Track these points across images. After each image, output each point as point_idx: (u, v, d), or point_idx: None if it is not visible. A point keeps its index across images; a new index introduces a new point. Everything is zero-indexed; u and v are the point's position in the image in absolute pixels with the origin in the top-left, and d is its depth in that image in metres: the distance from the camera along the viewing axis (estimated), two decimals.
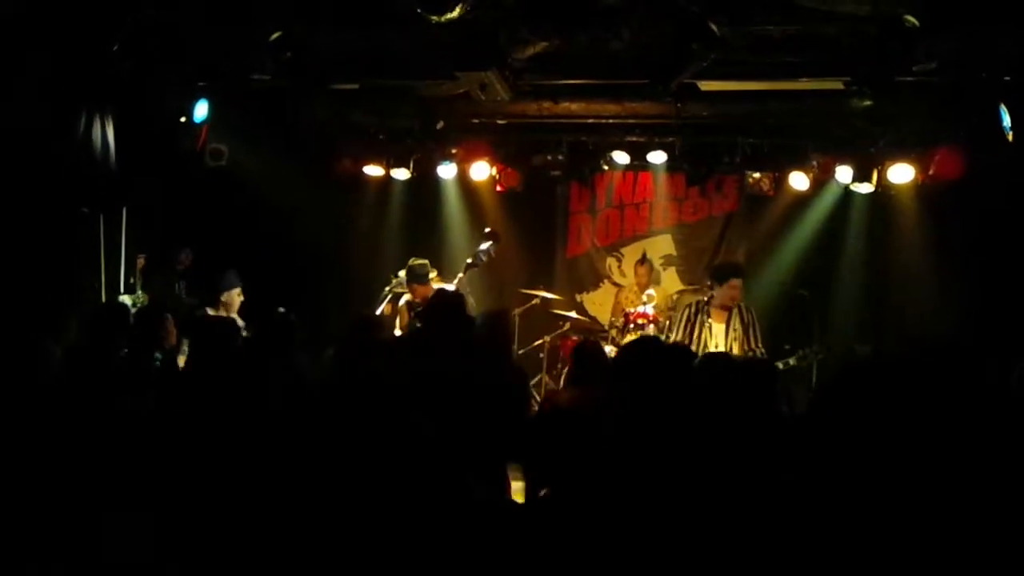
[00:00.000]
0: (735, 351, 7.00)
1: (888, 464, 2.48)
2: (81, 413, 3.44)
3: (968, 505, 2.40)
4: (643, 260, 9.48)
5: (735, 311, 7.15)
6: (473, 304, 7.55)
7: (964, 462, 2.52)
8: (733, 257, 9.37)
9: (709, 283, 7.37)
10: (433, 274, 7.56)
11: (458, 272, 7.43)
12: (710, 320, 7.17)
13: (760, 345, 7.03)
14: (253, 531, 2.73)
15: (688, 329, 7.24)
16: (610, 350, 8.29)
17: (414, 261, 7.49)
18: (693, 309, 7.28)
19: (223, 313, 6.97)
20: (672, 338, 7.37)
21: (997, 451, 2.63)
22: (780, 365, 6.95)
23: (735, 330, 7.12)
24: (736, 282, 7.11)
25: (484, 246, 7.43)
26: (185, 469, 3.02)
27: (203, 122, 7.49)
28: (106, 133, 6.96)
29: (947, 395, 2.80)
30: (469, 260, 7.39)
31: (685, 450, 2.79)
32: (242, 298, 7.13)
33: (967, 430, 2.68)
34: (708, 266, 9.39)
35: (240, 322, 7.17)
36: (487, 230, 7.70)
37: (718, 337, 7.13)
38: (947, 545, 2.33)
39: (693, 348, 7.14)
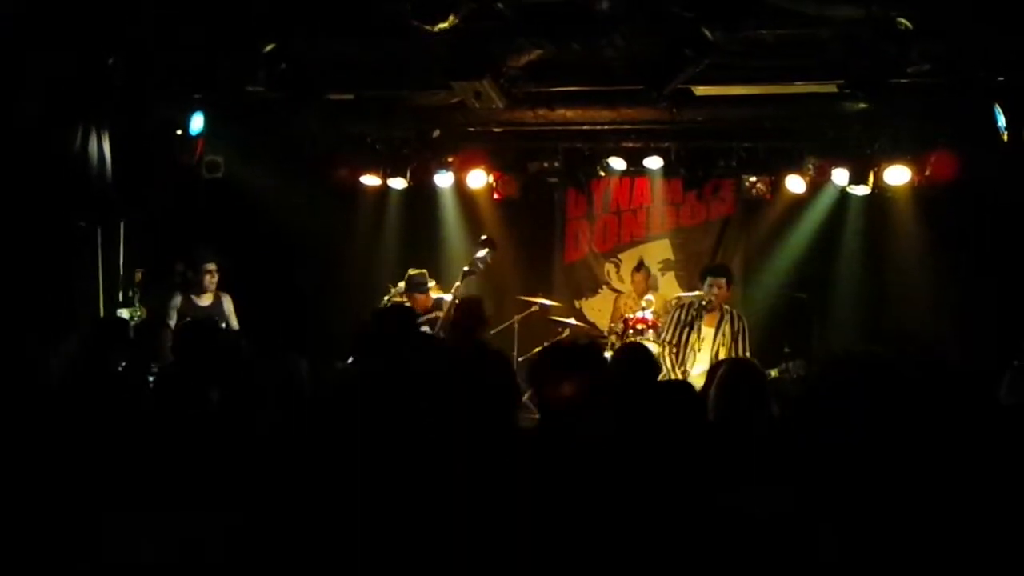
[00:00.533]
0: (721, 355, 7.03)
1: (867, 466, 2.49)
2: (79, 424, 3.45)
3: (948, 508, 2.40)
4: (639, 267, 9.49)
5: (726, 317, 7.20)
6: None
7: (944, 466, 2.53)
8: (730, 261, 9.38)
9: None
10: (432, 283, 7.57)
11: (455, 281, 7.44)
12: (700, 323, 7.22)
13: (748, 353, 7.03)
14: (262, 534, 2.74)
15: (677, 330, 7.31)
16: (610, 356, 8.29)
17: (412, 271, 7.50)
18: (684, 312, 7.34)
19: (196, 292, 7.16)
20: (664, 338, 7.43)
21: (980, 456, 2.63)
22: None
23: (723, 335, 7.16)
24: (713, 280, 7.19)
25: (480, 253, 7.43)
26: (182, 473, 3.03)
27: (199, 134, 7.50)
28: (102, 147, 6.97)
29: (927, 399, 2.81)
30: (466, 268, 7.39)
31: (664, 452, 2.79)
32: (215, 277, 7.41)
33: (951, 434, 2.70)
34: None
35: (224, 301, 7.30)
36: (483, 237, 7.71)
37: (706, 340, 7.19)
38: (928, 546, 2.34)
39: (680, 349, 7.22)
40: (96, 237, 7.19)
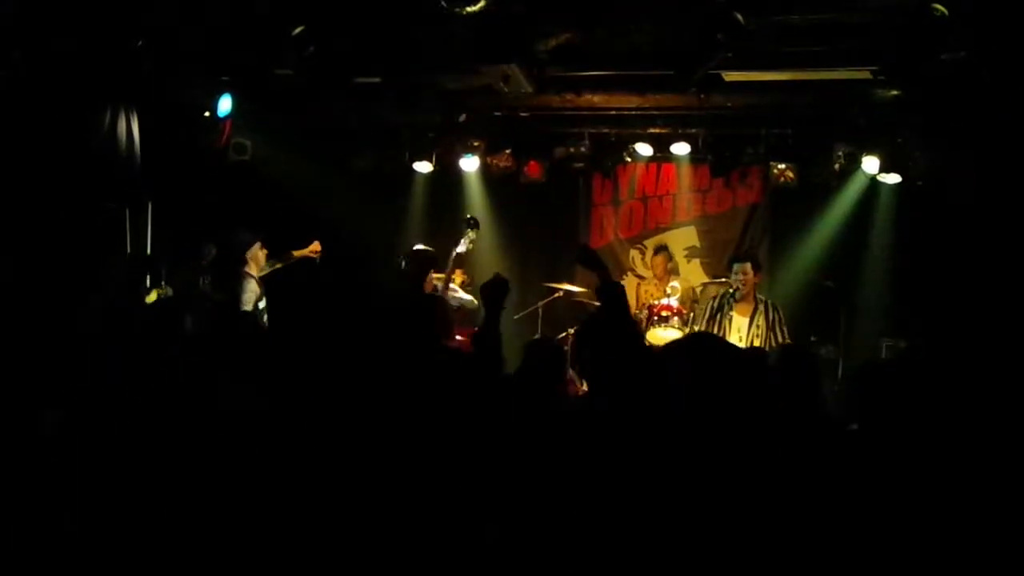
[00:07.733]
0: (755, 345, 6.99)
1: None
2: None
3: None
4: (659, 250, 9.45)
5: (760, 307, 7.13)
6: (473, 301, 7.41)
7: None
8: (757, 249, 9.32)
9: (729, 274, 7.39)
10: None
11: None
12: (732, 313, 7.17)
13: (787, 341, 6.99)
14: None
15: (710, 321, 7.27)
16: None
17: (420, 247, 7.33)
18: (717, 302, 7.31)
19: (251, 270, 7.06)
20: (696, 328, 7.41)
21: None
22: None
23: (758, 326, 7.09)
24: (739, 267, 7.14)
25: (470, 235, 7.14)
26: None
27: (227, 117, 7.52)
28: (131, 128, 7.01)
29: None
30: (456, 251, 7.09)
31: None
32: (265, 250, 7.21)
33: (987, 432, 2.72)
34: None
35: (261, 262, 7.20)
36: (468, 217, 7.38)
37: (740, 331, 7.13)
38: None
39: None
40: (124, 218, 7.23)
